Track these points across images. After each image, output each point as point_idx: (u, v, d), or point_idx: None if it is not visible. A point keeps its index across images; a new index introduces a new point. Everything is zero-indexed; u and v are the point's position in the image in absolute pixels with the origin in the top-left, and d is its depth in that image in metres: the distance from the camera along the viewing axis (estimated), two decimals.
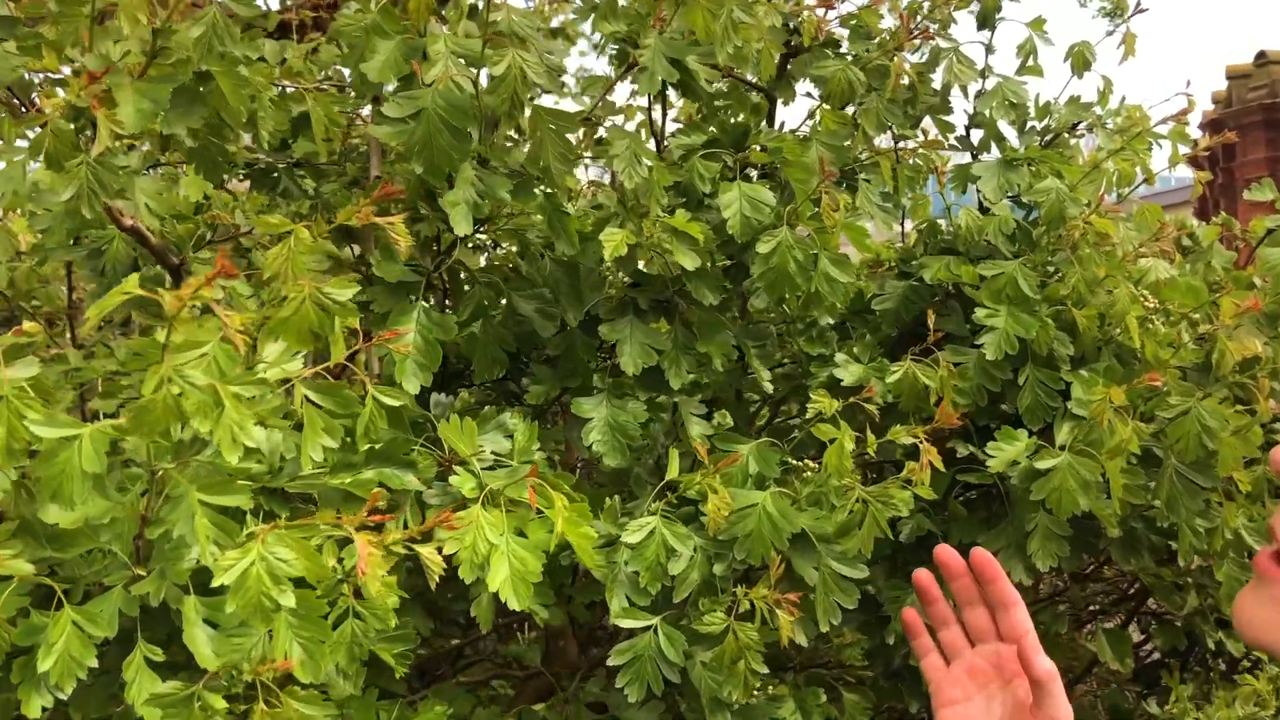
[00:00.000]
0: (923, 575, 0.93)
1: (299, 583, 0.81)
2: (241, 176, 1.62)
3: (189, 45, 1.05)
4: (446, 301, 1.29)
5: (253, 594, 0.73)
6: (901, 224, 1.70)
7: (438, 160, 1.02)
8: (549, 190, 1.12)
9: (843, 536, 1.12)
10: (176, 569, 0.80)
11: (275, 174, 1.62)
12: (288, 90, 1.33)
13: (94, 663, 0.82)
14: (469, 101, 1.01)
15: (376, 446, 1.04)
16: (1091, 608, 1.98)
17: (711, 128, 1.27)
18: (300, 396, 0.83)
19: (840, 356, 1.35)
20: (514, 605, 0.98)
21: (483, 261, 1.31)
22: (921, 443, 1.03)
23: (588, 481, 1.41)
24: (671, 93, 1.48)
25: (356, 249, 1.25)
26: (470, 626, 1.29)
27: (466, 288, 1.25)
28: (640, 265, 1.27)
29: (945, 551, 0.92)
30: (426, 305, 1.11)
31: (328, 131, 1.30)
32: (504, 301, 1.27)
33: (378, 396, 0.98)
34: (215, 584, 0.72)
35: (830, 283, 1.19)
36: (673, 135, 1.25)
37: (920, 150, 1.53)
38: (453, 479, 1.05)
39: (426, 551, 0.88)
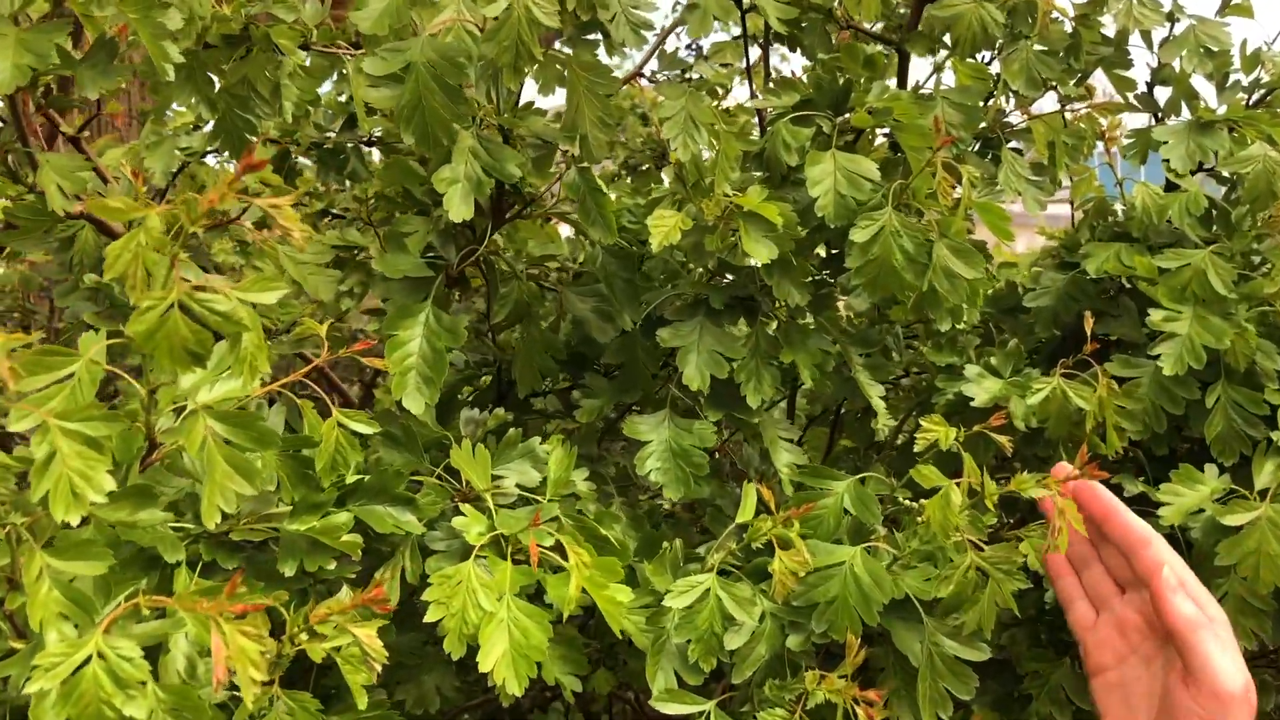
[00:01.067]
0: (1056, 500, 0.78)
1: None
2: (312, 159, 1.47)
3: None
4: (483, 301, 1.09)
5: (89, 702, 0.55)
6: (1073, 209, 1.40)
7: (431, 126, 0.82)
8: (582, 164, 0.90)
9: (956, 609, 0.87)
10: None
11: (343, 154, 1.46)
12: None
13: None
14: (466, 52, 0.80)
15: (365, 480, 0.85)
16: None
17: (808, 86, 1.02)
18: (199, 431, 0.64)
19: (972, 369, 1.08)
20: (512, 688, 0.77)
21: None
22: (1056, 494, 0.77)
23: (668, 520, 1.19)
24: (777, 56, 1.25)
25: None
26: None
27: (505, 284, 1.04)
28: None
29: (1063, 471, 0.80)
30: (435, 307, 0.91)
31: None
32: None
33: (343, 422, 0.78)
34: (31, 689, 0.54)
35: (950, 279, 0.93)
36: (755, 96, 1.01)
37: (1088, 112, 1.23)
38: (456, 520, 0.85)
39: (365, 634, 0.68)
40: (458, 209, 0.83)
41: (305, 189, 1.38)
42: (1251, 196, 1.09)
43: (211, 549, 0.78)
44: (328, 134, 1.45)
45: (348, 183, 1.45)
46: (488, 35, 0.78)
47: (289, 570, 0.79)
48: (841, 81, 1.00)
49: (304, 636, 0.72)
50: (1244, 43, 1.24)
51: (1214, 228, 1.17)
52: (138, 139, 1.45)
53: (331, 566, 0.79)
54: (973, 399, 1.05)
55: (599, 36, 0.96)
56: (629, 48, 0.87)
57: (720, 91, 1.68)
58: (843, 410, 1.37)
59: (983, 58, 1.20)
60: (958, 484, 0.82)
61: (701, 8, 0.86)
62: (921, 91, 1.10)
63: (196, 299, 0.58)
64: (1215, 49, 1.23)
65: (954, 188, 0.90)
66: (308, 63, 1.12)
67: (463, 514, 0.84)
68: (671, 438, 0.97)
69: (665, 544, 0.94)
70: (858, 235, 0.91)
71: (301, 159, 1.46)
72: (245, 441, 0.66)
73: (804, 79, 1.06)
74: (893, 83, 1.19)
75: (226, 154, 1.20)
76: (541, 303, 1.06)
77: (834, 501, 0.94)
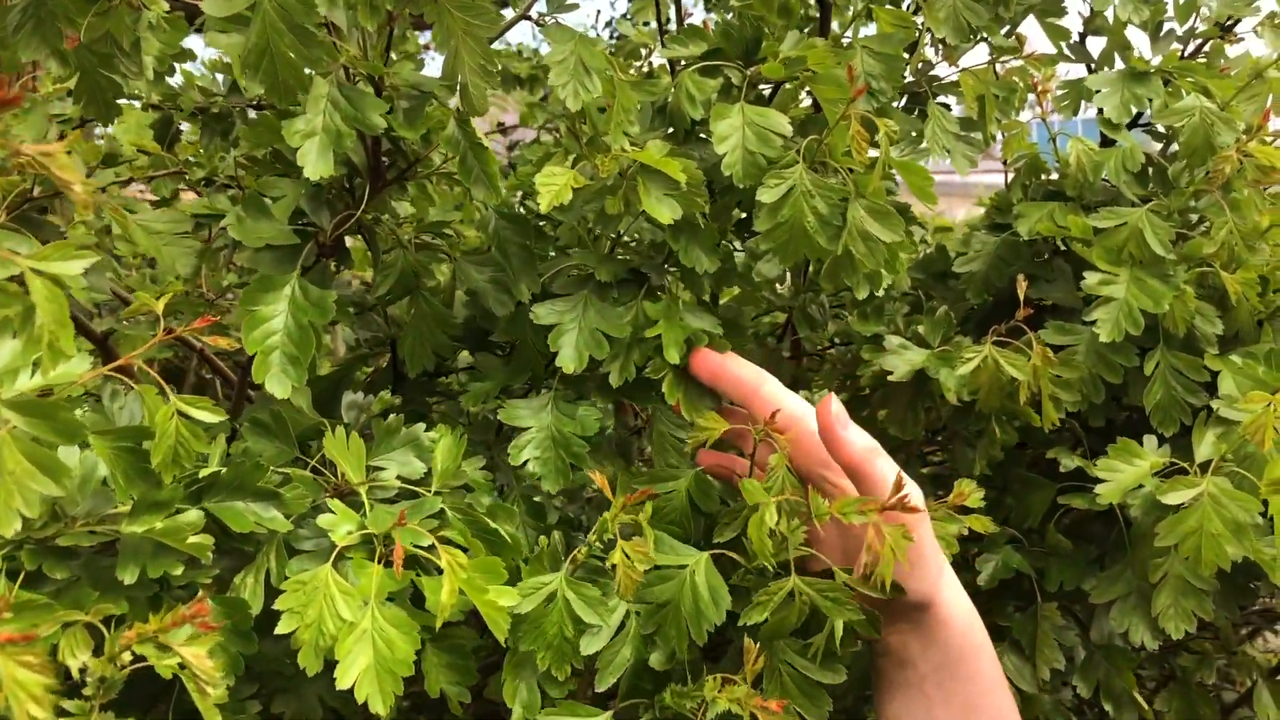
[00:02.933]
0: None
1: None
2: (195, 124, 1.37)
3: None
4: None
5: None
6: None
7: (282, 73, 0.73)
8: (462, 115, 0.81)
9: (789, 631, 0.78)
10: None
11: (229, 119, 1.36)
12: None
13: None
14: None
15: (222, 473, 0.76)
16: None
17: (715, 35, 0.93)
18: None
19: (893, 340, 1.00)
20: (376, 707, 0.68)
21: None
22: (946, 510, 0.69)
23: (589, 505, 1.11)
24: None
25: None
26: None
27: (388, 254, 0.95)
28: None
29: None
30: (302, 279, 0.82)
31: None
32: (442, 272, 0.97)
33: (184, 410, 0.69)
34: None
35: (868, 242, 0.85)
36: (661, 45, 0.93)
37: (1019, 65, 1.16)
38: (322, 518, 0.76)
39: (191, 654, 0.59)
40: (314, 165, 0.74)
41: (186, 155, 1.28)
42: (1188, 151, 1.02)
43: (37, 557, 0.68)
44: (214, 98, 1.35)
45: (233, 149, 1.35)
46: None
47: (129, 577, 0.69)
48: (752, 29, 0.92)
49: (152, 650, 0.63)
50: None
51: (1150, 185, 1.11)
52: None
53: (179, 572, 0.70)
54: (891, 372, 0.98)
55: None
56: None
57: (643, 52, 1.59)
58: None
59: (908, 6, 1.12)
60: (778, 501, 0.74)
61: None
62: (841, 40, 1.02)
63: None
64: None
65: (870, 143, 0.82)
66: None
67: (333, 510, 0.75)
68: (553, 424, 0.88)
69: (543, 539, 0.85)
70: (765, 195, 0.82)
71: (184, 125, 1.36)
72: (48, 434, 0.57)
73: (714, 28, 0.98)
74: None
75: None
76: (432, 274, 0.97)
77: (679, 489, 0.85)
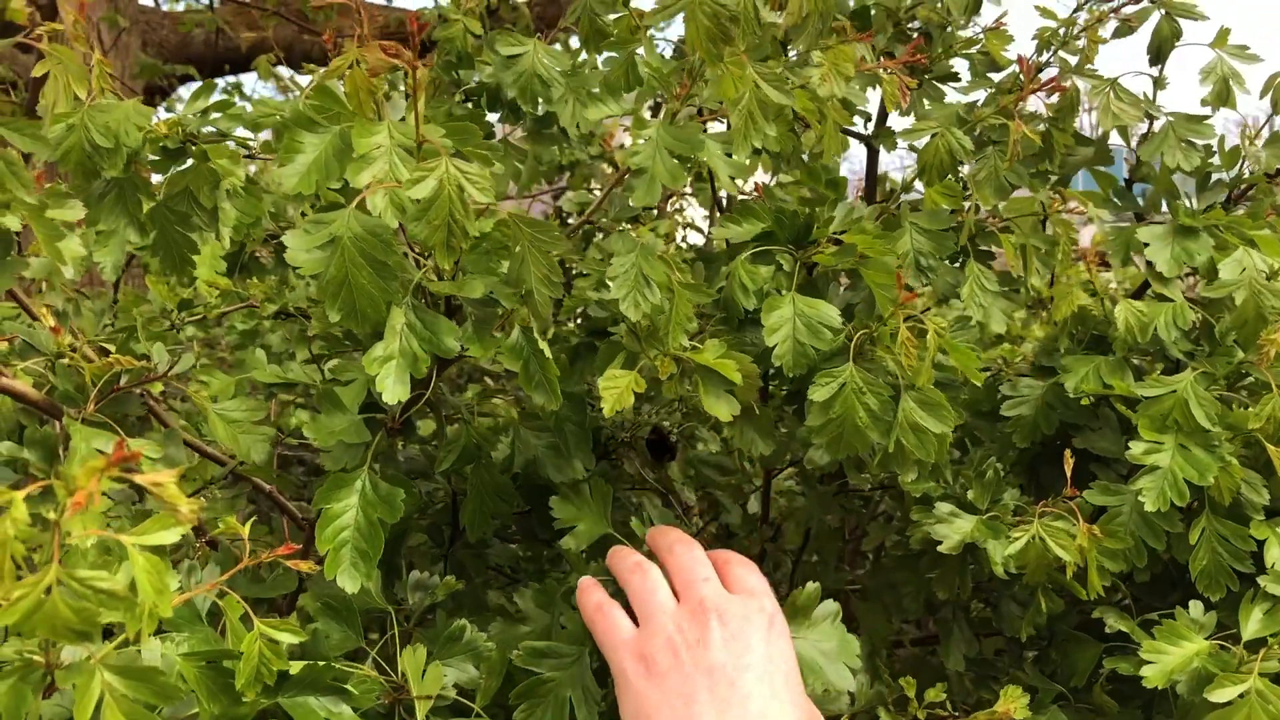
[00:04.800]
0: None
1: None
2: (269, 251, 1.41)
3: None
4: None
5: None
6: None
7: (359, 304, 0.77)
8: (526, 324, 0.84)
9: None
10: None
11: None
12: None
13: None
14: (390, 227, 0.74)
15: (296, 672, 0.80)
16: None
17: (766, 215, 0.96)
18: (95, 689, 0.59)
19: (943, 507, 1.02)
20: None
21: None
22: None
23: None
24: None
25: None
26: None
27: (452, 426, 0.99)
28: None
29: None
30: (372, 474, 0.86)
31: None
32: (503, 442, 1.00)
33: (267, 633, 0.73)
34: None
35: (918, 434, 0.88)
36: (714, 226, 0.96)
37: (1060, 217, 1.18)
38: None
39: None
40: (391, 390, 0.78)
41: (258, 291, 1.32)
42: (1240, 323, 1.03)
43: None
44: (285, 225, 1.39)
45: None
46: (415, 214, 0.73)
47: None
48: (804, 215, 0.95)
49: None
50: (1221, 139, 1.19)
51: (1198, 340, 1.12)
52: None
53: None
54: (940, 543, 1.00)
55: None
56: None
57: (666, 239, 1.62)
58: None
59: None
60: None
61: (649, 173, 0.80)
62: (891, 210, 1.04)
63: (76, 579, 0.52)
64: (1198, 142, 1.18)
65: (920, 337, 0.84)
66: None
67: (397, 715, 0.79)
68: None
69: None
70: (817, 394, 0.85)
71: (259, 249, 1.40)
72: (147, 697, 0.61)
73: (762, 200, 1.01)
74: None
75: None
76: (494, 444, 1.00)
77: None
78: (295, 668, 0.80)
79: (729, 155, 0.84)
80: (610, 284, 0.83)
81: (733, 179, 0.85)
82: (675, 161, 0.80)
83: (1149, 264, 1.15)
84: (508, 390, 1.04)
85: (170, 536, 0.61)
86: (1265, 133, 1.22)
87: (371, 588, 0.90)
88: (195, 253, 1.08)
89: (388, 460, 0.94)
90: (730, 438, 0.91)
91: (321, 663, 0.80)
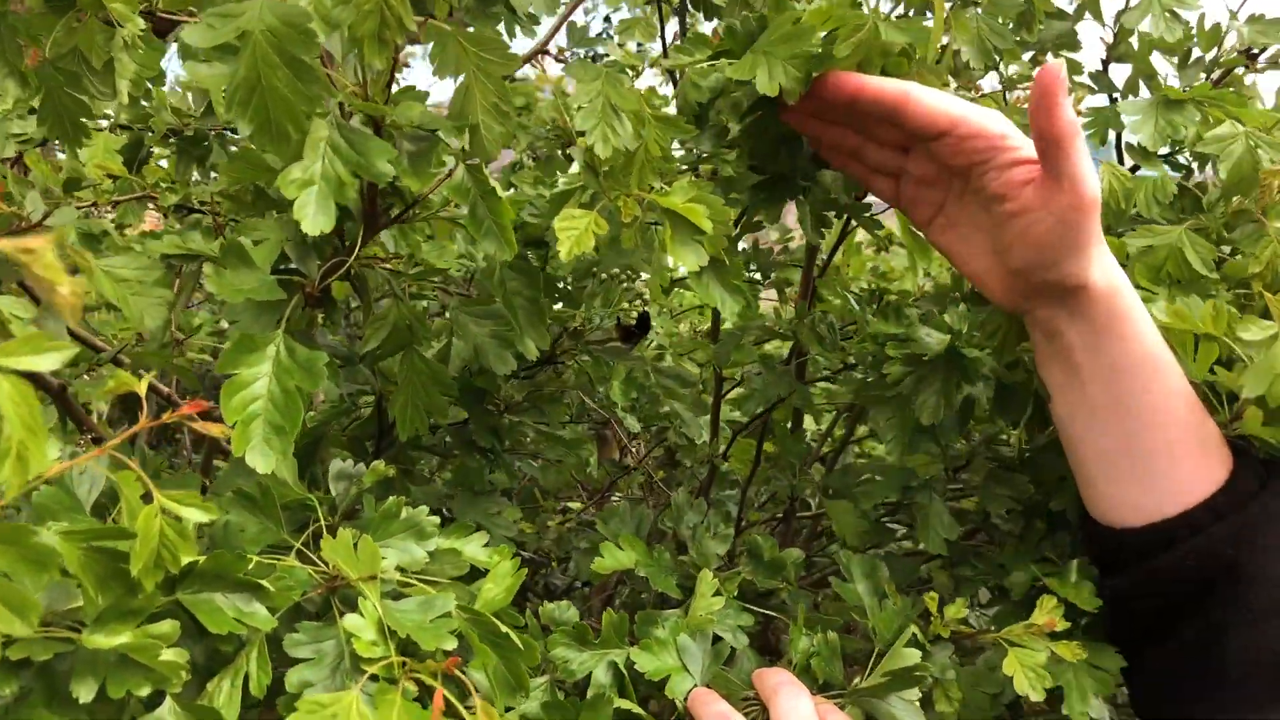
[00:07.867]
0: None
1: None
2: (169, 148, 1.26)
3: None
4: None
5: None
6: None
7: (274, 113, 0.64)
8: (472, 161, 0.72)
9: None
10: None
11: (205, 142, 1.26)
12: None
13: None
14: (323, 16, 0.62)
15: (199, 563, 0.66)
16: None
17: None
18: None
19: (920, 329, 0.94)
20: None
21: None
22: None
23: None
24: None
25: None
26: None
27: (380, 301, 0.86)
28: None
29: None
30: (288, 337, 0.73)
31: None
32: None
33: (167, 505, 0.60)
34: None
35: None
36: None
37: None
38: (348, 621, 0.65)
39: None
40: (313, 219, 0.65)
41: (156, 179, 1.18)
42: (1234, 179, 0.96)
43: None
44: (188, 120, 1.25)
45: (211, 175, 1.25)
46: None
47: (85, 694, 0.59)
48: (757, 23, 0.83)
49: None
50: (1201, 17, 1.12)
51: (1183, 212, 1.05)
52: None
53: (145, 692, 0.60)
54: (925, 354, 0.92)
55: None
56: (544, 15, 0.70)
57: (630, 74, 1.51)
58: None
59: None
60: None
61: None
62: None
63: None
64: (1181, 13, 1.11)
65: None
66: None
67: (334, 607, 0.66)
68: None
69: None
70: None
71: (157, 148, 1.26)
72: (19, 565, 0.48)
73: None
74: None
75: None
76: (428, 328, 0.88)
77: None
78: (200, 562, 0.66)
79: None
80: (575, 116, 0.71)
81: None
82: None
83: (1129, 146, 1.08)
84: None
85: (46, 362, 0.48)
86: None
87: (289, 475, 0.77)
88: (90, 117, 0.94)
89: (304, 340, 0.81)
90: (695, 289, 0.79)
91: (231, 555, 0.66)
